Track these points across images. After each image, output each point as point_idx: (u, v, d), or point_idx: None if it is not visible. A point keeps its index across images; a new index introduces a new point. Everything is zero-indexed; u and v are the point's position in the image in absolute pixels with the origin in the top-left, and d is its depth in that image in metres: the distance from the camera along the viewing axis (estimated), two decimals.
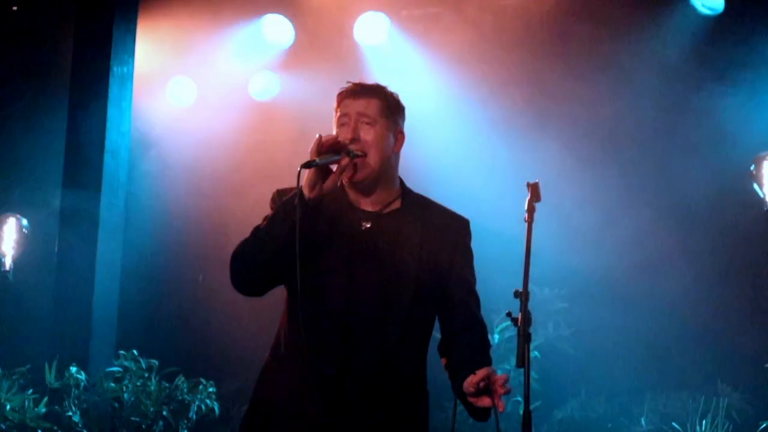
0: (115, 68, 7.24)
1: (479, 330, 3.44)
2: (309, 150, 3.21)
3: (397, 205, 3.41)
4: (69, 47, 7.42)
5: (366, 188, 3.38)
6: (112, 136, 7.18)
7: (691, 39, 7.43)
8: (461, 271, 3.41)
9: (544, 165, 6.98)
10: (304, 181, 3.20)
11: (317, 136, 3.22)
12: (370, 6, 7.97)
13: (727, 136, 7.13)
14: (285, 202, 3.26)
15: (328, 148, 3.22)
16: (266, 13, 8.20)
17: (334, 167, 3.23)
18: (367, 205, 3.39)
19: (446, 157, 7.36)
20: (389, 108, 3.42)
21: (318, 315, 3.27)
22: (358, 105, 3.37)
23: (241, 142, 8.24)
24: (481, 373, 3.16)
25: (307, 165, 3.18)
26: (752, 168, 6.68)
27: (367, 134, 3.34)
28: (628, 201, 7.26)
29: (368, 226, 3.35)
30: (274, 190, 3.46)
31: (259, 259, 3.26)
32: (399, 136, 3.44)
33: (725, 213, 7.08)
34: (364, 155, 3.31)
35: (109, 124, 7.14)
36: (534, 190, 3.25)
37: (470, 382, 3.17)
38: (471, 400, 3.19)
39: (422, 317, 3.37)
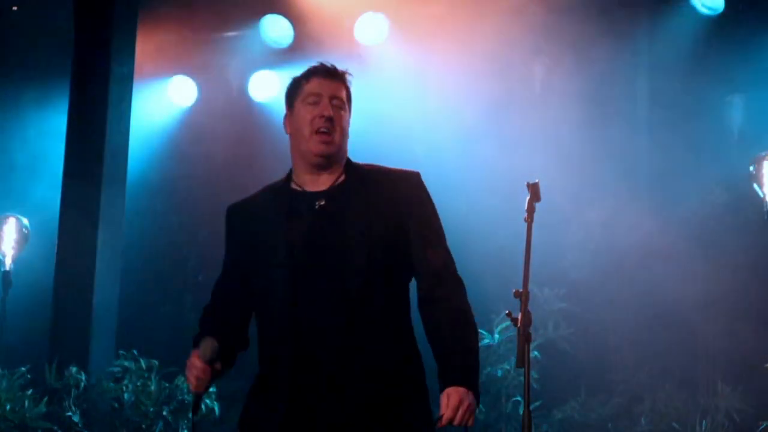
0: (115, 68, 7.25)
1: (450, 288, 3.35)
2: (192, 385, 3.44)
3: (342, 179, 3.46)
4: (69, 47, 7.43)
5: (321, 166, 3.44)
6: (112, 136, 7.18)
7: (691, 39, 7.43)
8: (420, 224, 3.40)
9: (543, 164, 6.97)
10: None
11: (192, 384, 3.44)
12: (370, 6, 7.96)
13: (726, 136, 7.13)
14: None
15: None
16: (266, 13, 8.20)
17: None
18: (314, 186, 3.45)
19: (445, 156, 7.34)
20: (350, 95, 3.55)
21: (291, 303, 3.35)
22: (332, 88, 3.51)
23: (240, 142, 8.24)
24: (442, 407, 3.16)
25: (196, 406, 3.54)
26: (752, 168, 6.68)
27: (340, 117, 3.46)
28: (627, 201, 7.25)
29: (322, 203, 3.41)
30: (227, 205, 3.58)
31: None
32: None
33: (726, 213, 7.07)
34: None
35: (109, 124, 7.15)
36: (534, 190, 3.25)
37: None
38: None
39: (384, 280, 3.34)
